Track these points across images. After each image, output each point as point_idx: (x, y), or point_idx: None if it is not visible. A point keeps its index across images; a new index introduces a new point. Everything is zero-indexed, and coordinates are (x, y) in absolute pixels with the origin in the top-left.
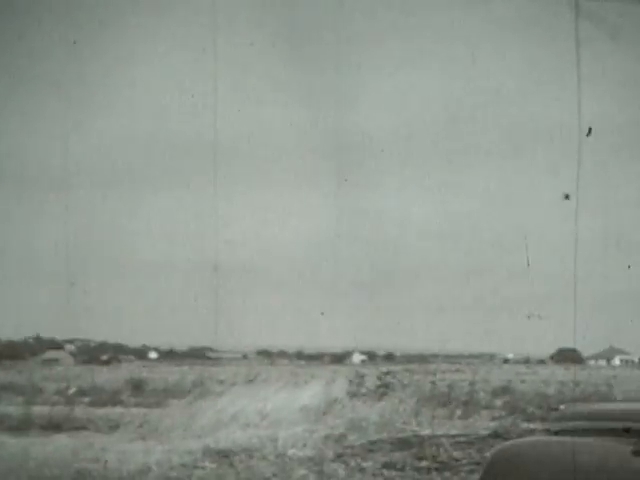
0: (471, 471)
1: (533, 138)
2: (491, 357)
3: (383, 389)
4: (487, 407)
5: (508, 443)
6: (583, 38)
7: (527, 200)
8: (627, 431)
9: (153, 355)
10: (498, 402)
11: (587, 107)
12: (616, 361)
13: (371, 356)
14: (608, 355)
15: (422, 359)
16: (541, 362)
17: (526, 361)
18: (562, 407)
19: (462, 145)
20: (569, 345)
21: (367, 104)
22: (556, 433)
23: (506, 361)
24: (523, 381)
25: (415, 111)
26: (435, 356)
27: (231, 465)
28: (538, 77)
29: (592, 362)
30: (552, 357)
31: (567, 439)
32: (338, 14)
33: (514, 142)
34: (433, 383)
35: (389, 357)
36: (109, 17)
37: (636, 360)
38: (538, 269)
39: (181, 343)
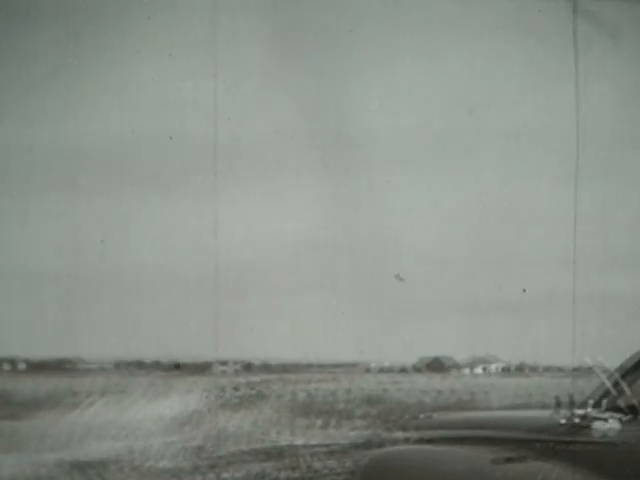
0: None
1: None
2: (367, 366)
3: (248, 399)
4: (361, 416)
5: (376, 452)
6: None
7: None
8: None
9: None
10: (372, 411)
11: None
12: (492, 368)
13: (246, 366)
14: (484, 363)
15: (296, 368)
16: (418, 370)
17: (402, 369)
18: (432, 415)
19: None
20: (446, 353)
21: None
22: (427, 441)
23: (382, 370)
24: (386, 390)
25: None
26: (310, 365)
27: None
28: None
29: (467, 370)
30: (428, 365)
31: (432, 448)
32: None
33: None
34: (306, 393)
35: (265, 367)
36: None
37: (512, 368)
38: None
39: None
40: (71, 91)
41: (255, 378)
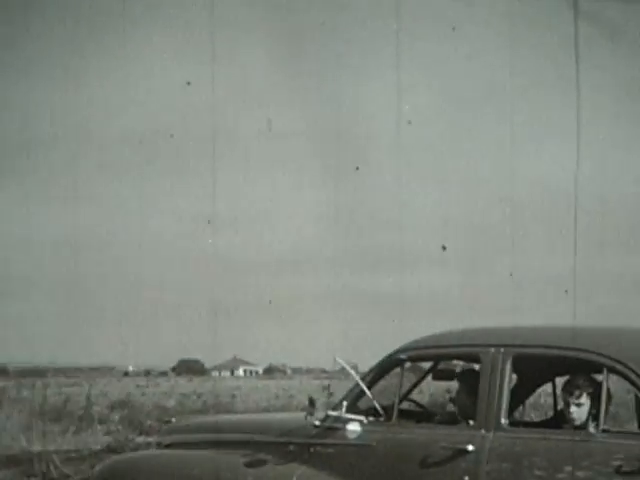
0: None
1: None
2: (110, 370)
3: None
4: (103, 421)
5: (117, 457)
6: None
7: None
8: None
9: None
10: (115, 416)
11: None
12: (240, 372)
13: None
14: (232, 366)
15: (36, 372)
16: (163, 374)
17: (147, 373)
18: (174, 420)
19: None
20: (192, 356)
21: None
22: (167, 446)
23: (126, 374)
24: (143, 394)
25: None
26: (49, 369)
27: None
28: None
29: (216, 373)
30: (174, 369)
31: (178, 452)
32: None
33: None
34: (46, 397)
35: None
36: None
37: (260, 371)
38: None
39: None
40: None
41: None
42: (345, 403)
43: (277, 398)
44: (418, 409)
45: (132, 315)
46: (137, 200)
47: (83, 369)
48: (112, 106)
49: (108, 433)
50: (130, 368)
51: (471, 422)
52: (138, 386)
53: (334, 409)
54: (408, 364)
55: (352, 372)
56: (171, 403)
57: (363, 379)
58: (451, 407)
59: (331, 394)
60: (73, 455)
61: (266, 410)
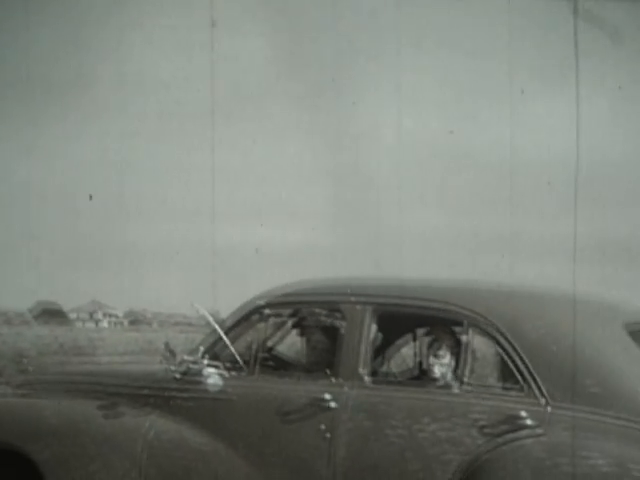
0: None
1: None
2: None
3: None
4: None
5: None
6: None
7: None
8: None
9: None
10: None
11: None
12: (99, 316)
13: None
14: (91, 309)
15: None
16: (19, 315)
17: (19, 315)
18: (28, 363)
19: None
20: (50, 298)
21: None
22: (21, 392)
23: None
24: (10, 336)
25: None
26: None
27: None
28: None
29: (74, 316)
30: (31, 311)
31: (32, 398)
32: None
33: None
34: None
35: None
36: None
37: (120, 315)
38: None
39: None
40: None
41: None
42: (202, 348)
43: (136, 343)
44: (278, 360)
45: None
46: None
47: None
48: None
49: None
50: None
51: (332, 376)
52: None
53: (190, 354)
54: (269, 313)
55: (209, 318)
56: (27, 346)
57: (221, 325)
58: (310, 359)
59: (172, 351)
60: None
61: (125, 357)
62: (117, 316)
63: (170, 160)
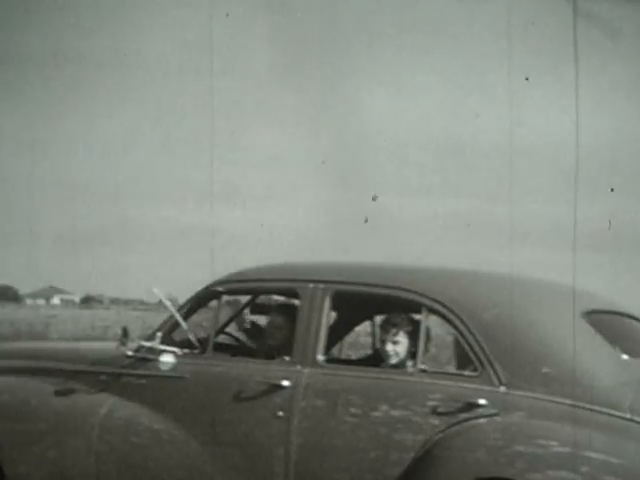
0: None
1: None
2: None
3: None
4: None
5: None
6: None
7: None
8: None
9: None
10: None
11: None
12: (56, 300)
13: None
14: (47, 294)
15: None
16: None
17: None
18: None
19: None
20: (5, 282)
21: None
22: None
23: None
24: None
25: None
26: None
27: None
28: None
29: (30, 301)
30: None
31: None
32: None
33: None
34: None
35: None
36: None
37: (77, 300)
38: None
39: None
40: None
41: None
42: (159, 334)
43: (93, 329)
44: (234, 343)
45: None
46: None
47: None
48: None
49: None
50: None
51: (287, 357)
52: None
53: (148, 339)
54: (226, 298)
55: (167, 303)
56: None
57: (179, 310)
58: (266, 341)
59: (126, 334)
60: None
61: (77, 339)
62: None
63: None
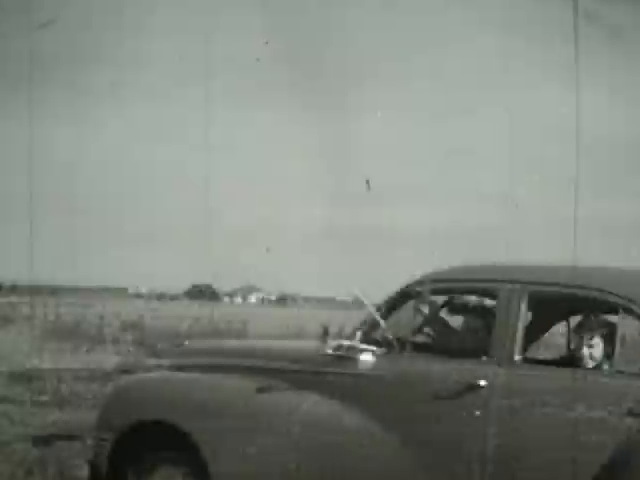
0: (93, 406)
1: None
2: (122, 291)
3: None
4: (115, 342)
5: (128, 378)
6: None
7: None
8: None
9: None
10: (127, 337)
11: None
12: (252, 299)
13: None
14: (244, 293)
15: (46, 291)
16: (174, 298)
17: (160, 297)
18: (186, 343)
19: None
20: (205, 281)
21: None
22: (179, 369)
23: (139, 296)
24: (155, 316)
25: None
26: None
27: None
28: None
29: (227, 299)
30: (187, 293)
31: (189, 375)
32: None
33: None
34: (59, 316)
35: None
36: None
37: (273, 298)
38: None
39: None
40: None
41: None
42: (359, 333)
43: (288, 327)
44: (429, 342)
45: (148, 239)
46: (141, 127)
47: (94, 289)
48: None
49: (119, 354)
50: (143, 290)
51: (484, 357)
52: (151, 309)
53: (348, 339)
54: (424, 298)
55: (367, 303)
56: (183, 327)
57: (377, 310)
58: (463, 341)
59: (327, 333)
60: (84, 374)
61: (277, 338)
62: (270, 300)
63: None
